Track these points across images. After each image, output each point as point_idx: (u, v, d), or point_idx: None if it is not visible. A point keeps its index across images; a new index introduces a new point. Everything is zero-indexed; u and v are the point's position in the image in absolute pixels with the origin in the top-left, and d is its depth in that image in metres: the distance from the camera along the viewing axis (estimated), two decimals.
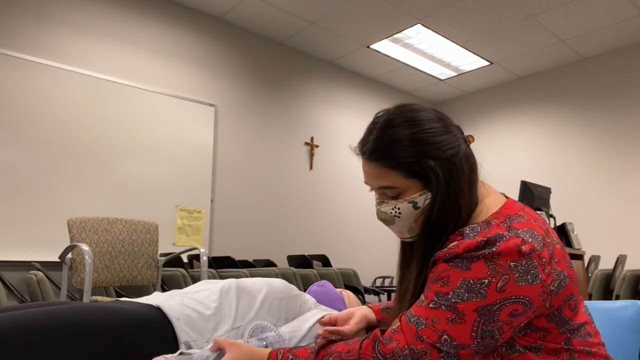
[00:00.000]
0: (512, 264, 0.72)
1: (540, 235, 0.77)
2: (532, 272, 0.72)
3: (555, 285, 0.75)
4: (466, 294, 0.73)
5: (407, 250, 0.95)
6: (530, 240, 0.74)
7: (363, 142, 0.89)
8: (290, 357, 0.83)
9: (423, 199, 0.84)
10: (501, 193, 0.90)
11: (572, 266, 0.81)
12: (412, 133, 0.83)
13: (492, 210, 0.83)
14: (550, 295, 0.75)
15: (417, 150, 0.82)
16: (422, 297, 0.78)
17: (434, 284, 0.77)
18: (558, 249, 0.79)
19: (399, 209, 0.86)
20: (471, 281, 0.73)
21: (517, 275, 0.72)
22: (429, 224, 0.84)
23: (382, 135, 0.85)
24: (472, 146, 0.90)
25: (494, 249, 0.73)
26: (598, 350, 0.79)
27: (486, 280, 0.72)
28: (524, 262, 0.72)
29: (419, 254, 0.85)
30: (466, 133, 0.89)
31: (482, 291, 0.72)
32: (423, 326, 0.75)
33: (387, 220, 0.89)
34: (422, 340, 0.74)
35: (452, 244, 0.78)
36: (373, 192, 0.92)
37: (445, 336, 0.73)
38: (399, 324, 0.79)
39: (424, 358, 0.74)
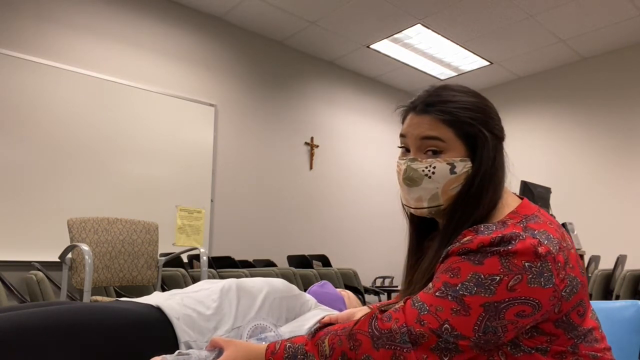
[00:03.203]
0: (527, 264, 0.71)
1: (557, 238, 0.75)
2: (545, 274, 0.71)
3: (567, 291, 0.74)
4: (475, 288, 0.72)
5: (417, 237, 0.94)
6: (546, 242, 0.73)
7: (414, 100, 0.87)
8: (288, 344, 0.82)
9: (462, 165, 0.82)
10: (513, 193, 0.89)
11: (584, 272, 0.80)
12: (476, 101, 0.85)
13: (508, 210, 0.82)
14: (561, 300, 0.74)
15: (477, 116, 0.83)
16: (430, 284, 0.78)
17: (444, 274, 0.76)
18: (573, 253, 0.78)
19: (434, 167, 0.83)
20: (482, 276, 0.72)
21: (530, 276, 0.71)
22: (467, 196, 0.82)
23: (441, 94, 0.85)
24: None
25: (509, 247, 0.72)
26: (604, 355, 0.79)
27: (498, 277, 0.71)
28: (539, 264, 0.71)
29: (449, 228, 0.83)
30: None
31: (492, 287, 0.71)
32: (426, 312, 0.74)
33: (414, 179, 0.85)
34: (422, 324, 0.73)
35: (465, 239, 0.76)
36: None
37: (446, 325, 0.72)
38: (402, 305, 0.78)
39: (421, 340, 0.73)
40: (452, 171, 0.82)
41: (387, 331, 0.75)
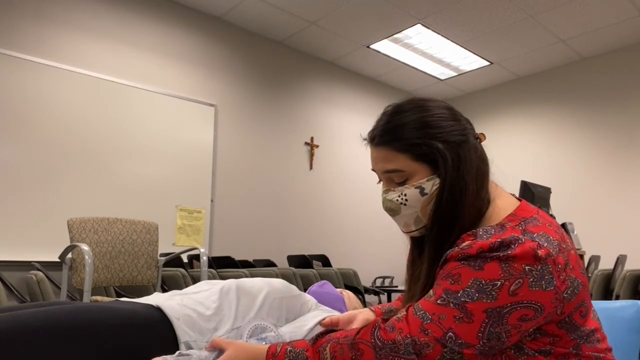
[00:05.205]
0: (527, 268, 0.71)
1: (556, 240, 0.75)
2: (546, 277, 0.71)
3: (569, 292, 0.74)
4: (476, 294, 0.72)
5: (418, 248, 0.93)
6: (546, 244, 0.73)
7: (372, 130, 0.89)
8: (289, 348, 0.82)
9: (431, 184, 0.83)
10: (511, 194, 0.89)
11: (585, 273, 0.79)
12: (420, 117, 0.84)
13: (505, 213, 0.81)
14: (563, 302, 0.73)
15: (424, 132, 0.83)
16: (431, 292, 0.77)
17: (444, 281, 0.76)
18: (573, 254, 0.77)
19: (405, 195, 0.84)
20: (483, 281, 0.72)
21: (531, 279, 0.70)
22: (440, 211, 0.82)
23: (390, 120, 0.86)
24: None
25: (509, 252, 0.71)
26: (606, 356, 0.79)
27: (499, 282, 0.71)
28: (539, 267, 0.71)
29: (431, 245, 0.84)
30: None
31: (494, 293, 0.71)
32: (429, 321, 0.74)
33: (392, 209, 0.87)
34: (426, 333, 0.73)
35: (464, 244, 0.76)
36: (380, 185, 0.92)
37: (450, 333, 0.72)
38: (405, 313, 0.78)
39: (426, 350, 0.73)
40: (422, 193, 0.83)
41: (390, 342, 0.75)
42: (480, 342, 0.72)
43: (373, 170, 0.90)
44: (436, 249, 0.82)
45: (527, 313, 0.71)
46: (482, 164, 0.85)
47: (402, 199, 0.85)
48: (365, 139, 0.91)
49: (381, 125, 0.87)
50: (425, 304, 0.76)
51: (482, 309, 0.71)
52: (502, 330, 0.71)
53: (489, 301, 0.71)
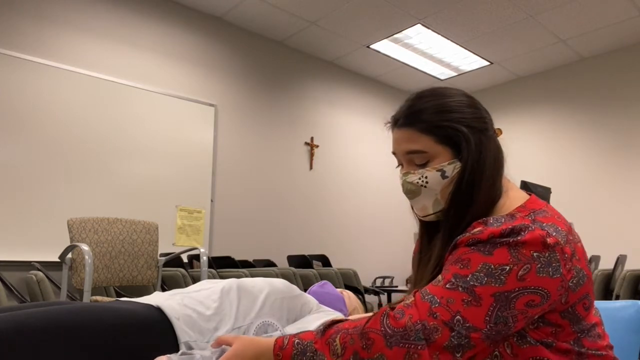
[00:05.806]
0: (535, 254, 0.72)
1: (564, 230, 0.77)
2: (553, 265, 0.73)
3: (574, 282, 0.76)
4: (485, 278, 0.73)
5: (428, 235, 0.94)
6: (554, 234, 0.75)
7: (395, 114, 0.91)
8: (296, 340, 0.82)
9: (452, 168, 0.85)
10: (521, 189, 0.90)
11: (590, 266, 0.82)
12: (444, 102, 0.87)
13: (516, 204, 0.83)
14: (568, 291, 0.75)
15: (449, 116, 0.85)
16: (439, 277, 0.78)
17: (453, 266, 0.77)
18: (579, 247, 0.80)
19: (426, 177, 0.86)
20: (492, 266, 0.73)
21: (539, 265, 0.72)
22: (458, 193, 0.84)
23: (414, 104, 0.89)
24: None
25: (519, 238, 0.73)
26: (607, 353, 0.79)
27: (507, 267, 0.73)
28: (547, 254, 0.73)
29: (446, 227, 0.85)
30: None
31: (502, 277, 0.72)
32: (437, 304, 0.75)
33: (412, 191, 0.89)
34: (435, 317, 0.74)
35: (475, 230, 0.78)
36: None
37: (458, 317, 0.73)
38: (412, 299, 0.78)
39: (434, 335, 0.73)
40: (443, 176, 0.85)
41: (401, 329, 0.75)
42: (488, 326, 0.72)
43: (393, 153, 0.92)
44: (451, 232, 0.84)
45: (534, 299, 0.72)
46: (499, 155, 0.88)
47: (422, 181, 0.87)
48: (387, 123, 0.93)
49: (405, 109, 0.89)
50: (434, 288, 0.77)
51: (490, 292, 0.72)
52: (509, 314, 0.73)
53: (497, 285, 0.72)
